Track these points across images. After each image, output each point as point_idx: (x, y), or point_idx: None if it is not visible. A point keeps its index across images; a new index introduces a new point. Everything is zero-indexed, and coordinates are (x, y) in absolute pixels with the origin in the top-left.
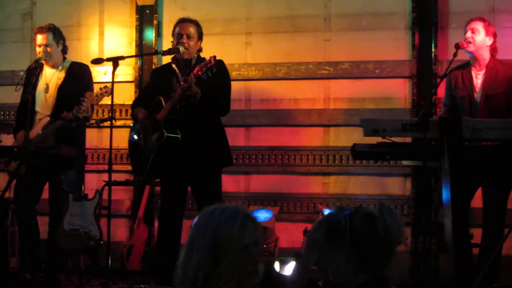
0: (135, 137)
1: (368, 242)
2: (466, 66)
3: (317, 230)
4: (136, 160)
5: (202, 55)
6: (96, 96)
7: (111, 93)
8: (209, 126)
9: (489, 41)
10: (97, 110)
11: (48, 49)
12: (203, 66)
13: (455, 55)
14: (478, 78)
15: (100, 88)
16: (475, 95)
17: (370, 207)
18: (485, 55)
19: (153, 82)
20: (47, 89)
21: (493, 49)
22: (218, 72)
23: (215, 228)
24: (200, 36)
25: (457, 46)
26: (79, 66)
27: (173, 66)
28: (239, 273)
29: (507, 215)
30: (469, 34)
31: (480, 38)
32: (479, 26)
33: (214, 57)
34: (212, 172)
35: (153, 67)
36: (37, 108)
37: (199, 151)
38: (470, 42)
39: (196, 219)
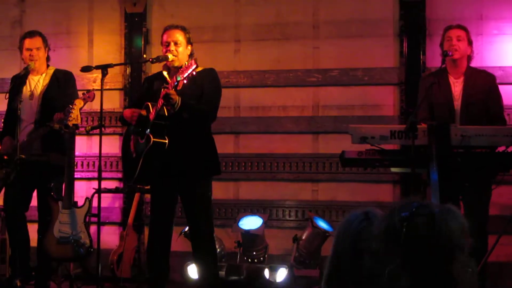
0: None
1: (424, 247)
2: (442, 73)
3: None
4: (127, 166)
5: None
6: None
7: (94, 97)
8: (196, 133)
9: (468, 50)
10: (87, 118)
11: (38, 52)
12: (184, 70)
13: (443, 62)
14: (456, 85)
15: (83, 93)
16: (454, 102)
17: None
18: (464, 63)
19: (144, 89)
20: (31, 96)
21: (470, 58)
22: (206, 79)
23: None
24: (188, 41)
25: (445, 53)
26: (63, 73)
27: (164, 73)
28: None
29: (491, 222)
30: (455, 41)
31: (464, 46)
32: (463, 34)
33: (195, 59)
34: (200, 179)
35: (142, 74)
36: (22, 116)
37: (186, 157)
38: (457, 50)
39: None
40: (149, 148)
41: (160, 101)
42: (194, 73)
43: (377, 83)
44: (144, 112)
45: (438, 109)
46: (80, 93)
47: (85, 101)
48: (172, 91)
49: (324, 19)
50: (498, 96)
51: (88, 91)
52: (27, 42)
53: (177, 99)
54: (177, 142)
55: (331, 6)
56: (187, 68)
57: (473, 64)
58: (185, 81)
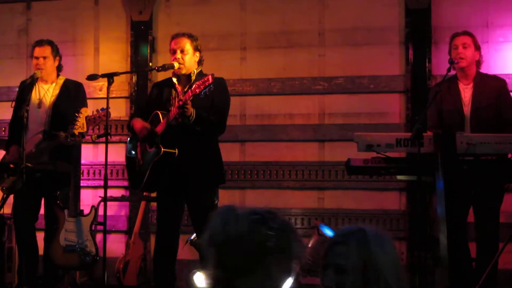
0: (133, 152)
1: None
2: (452, 80)
3: None
4: (133, 174)
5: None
6: (94, 118)
7: (109, 116)
8: (205, 143)
9: (476, 55)
10: (89, 126)
11: (45, 61)
12: (200, 84)
13: (449, 70)
14: (466, 91)
15: (97, 110)
16: (464, 108)
17: (365, 221)
18: (473, 69)
19: (153, 96)
20: (40, 104)
21: (479, 63)
22: (216, 90)
23: None
24: (196, 48)
25: (451, 62)
26: (73, 84)
27: (174, 80)
28: None
29: (500, 229)
30: (461, 49)
31: (470, 53)
32: (469, 41)
33: (212, 75)
34: (206, 188)
35: (148, 83)
36: (29, 124)
37: (193, 167)
38: (463, 58)
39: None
40: (158, 158)
41: (173, 112)
42: (211, 88)
43: (382, 90)
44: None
45: (448, 116)
46: (95, 110)
47: (100, 119)
48: (188, 103)
49: (330, 27)
50: (508, 100)
51: (103, 109)
52: (36, 51)
53: (192, 111)
54: (185, 151)
55: (337, 14)
56: (204, 83)
57: (480, 71)
58: (200, 96)
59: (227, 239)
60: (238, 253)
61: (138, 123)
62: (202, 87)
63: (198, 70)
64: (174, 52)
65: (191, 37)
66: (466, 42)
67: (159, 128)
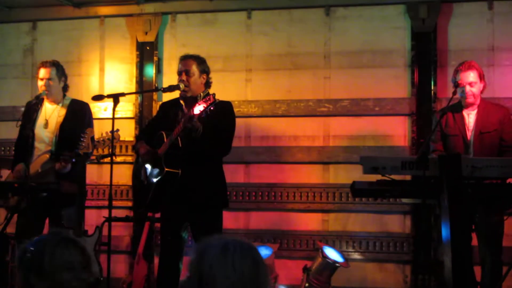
0: (142, 174)
1: None
2: (456, 106)
3: None
4: (138, 193)
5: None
6: (103, 140)
7: (119, 139)
8: (209, 165)
9: (481, 86)
10: (98, 148)
11: (50, 83)
12: (202, 103)
13: (454, 93)
14: (470, 117)
15: (107, 133)
16: (467, 133)
17: (369, 244)
18: (478, 98)
19: (159, 116)
20: (46, 125)
21: (482, 90)
22: (220, 112)
23: None
24: (203, 71)
25: (456, 84)
26: (80, 104)
27: (181, 101)
28: None
29: (504, 253)
30: (468, 88)
31: (477, 88)
32: (474, 77)
33: (213, 95)
34: (210, 210)
35: (154, 103)
36: (36, 144)
37: (196, 189)
38: (472, 96)
39: None
40: (161, 177)
41: (176, 130)
42: (212, 108)
43: (388, 113)
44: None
45: (452, 141)
46: (104, 132)
47: (104, 143)
48: (195, 118)
49: (335, 49)
50: (510, 127)
51: (112, 131)
52: (41, 72)
53: (199, 125)
54: (189, 172)
55: (343, 36)
56: (206, 102)
57: (485, 95)
58: (202, 116)
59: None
60: None
61: (143, 148)
62: (204, 106)
63: (206, 93)
64: (180, 73)
65: (197, 59)
66: (471, 81)
67: (162, 148)
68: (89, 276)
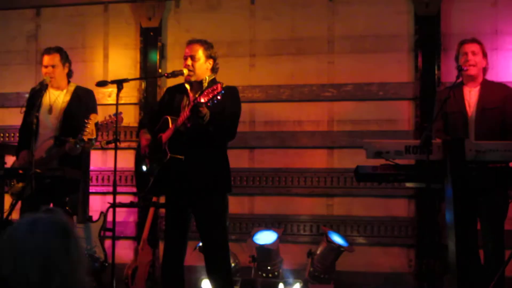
0: (144, 168)
1: None
2: (457, 86)
3: None
4: (140, 176)
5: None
6: (106, 124)
7: (122, 121)
8: (213, 151)
9: (484, 62)
10: (102, 132)
11: (54, 70)
12: (209, 92)
13: (458, 77)
14: (471, 94)
15: (109, 116)
16: (468, 110)
17: (374, 228)
18: (480, 76)
19: (164, 100)
20: (50, 110)
21: (485, 69)
22: (226, 98)
23: None
24: (209, 56)
25: (460, 68)
26: (84, 91)
27: (186, 85)
28: None
29: (507, 236)
30: (470, 56)
31: (479, 60)
32: (478, 49)
33: (221, 84)
34: (212, 196)
35: (158, 89)
36: (40, 129)
37: (200, 174)
38: (473, 65)
39: None
40: (165, 162)
41: (185, 114)
42: (219, 97)
43: (392, 97)
44: (162, 137)
45: (452, 118)
46: (107, 116)
47: (107, 126)
48: (202, 104)
49: (339, 34)
50: None
51: (115, 114)
52: (45, 59)
53: (206, 111)
54: (193, 158)
55: (346, 21)
56: (213, 91)
57: (488, 78)
58: (208, 104)
59: None
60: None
61: (144, 140)
62: (211, 95)
63: (211, 78)
64: (185, 58)
65: (204, 44)
66: (474, 50)
67: (167, 134)
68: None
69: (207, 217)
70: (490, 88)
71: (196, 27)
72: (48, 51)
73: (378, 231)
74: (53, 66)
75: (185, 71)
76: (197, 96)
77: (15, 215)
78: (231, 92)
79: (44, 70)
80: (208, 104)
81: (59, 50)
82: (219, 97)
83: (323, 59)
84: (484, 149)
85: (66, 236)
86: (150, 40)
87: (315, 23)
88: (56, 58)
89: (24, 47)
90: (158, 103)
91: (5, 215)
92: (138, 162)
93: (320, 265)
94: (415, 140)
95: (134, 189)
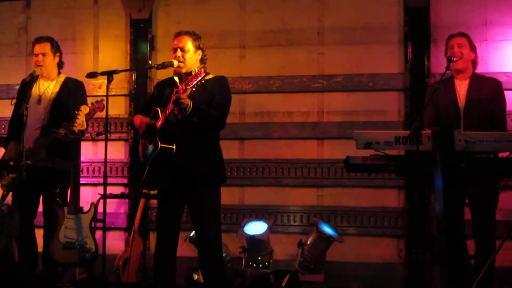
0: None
1: None
2: (449, 79)
3: None
4: (134, 170)
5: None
6: (89, 111)
7: (104, 108)
8: (204, 140)
9: (472, 55)
10: (92, 124)
11: (44, 58)
12: (192, 78)
13: (447, 68)
14: (461, 86)
15: (92, 103)
16: (458, 101)
17: (364, 219)
18: (469, 69)
19: (155, 94)
20: (39, 100)
21: (475, 63)
22: (215, 86)
23: None
24: (198, 47)
25: (450, 60)
26: (74, 82)
27: (175, 78)
28: None
29: (497, 227)
30: (456, 48)
31: (466, 52)
32: (465, 42)
33: (203, 68)
34: (206, 188)
35: (148, 81)
36: (29, 120)
37: (193, 165)
38: (459, 56)
39: None
40: (156, 154)
41: (170, 107)
42: (202, 81)
43: (381, 88)
44: (152, 121)
45: (443, 109)
46: (89, 102)
47: (94, 111)
48: (183, 95)
49: (329, 25)
50: (502, 100)
51: (98, 101)
52: (35, 48)
53: (188, 102)
54: (185, 148)
55: (336, 12)
56: (196, 76)
57: (478, 69)
58: (193, 89)
59: None
60: None
61: (138, 119)
62: (194, 80)
63: (200, 69)
64: (175, 50)
65: (193, 35)
66: (461, 42)
67: (158, 124)
68: None
69: (201, 209)
70: (479, 81)
71: (186, 19)
72: (39, 39)
73: (368, 222)
74: (43, 55)
75: (175, 62)
76: (180, 87)
77: None
78: (220, 81)
79: (34, 58)
80: (193, 88)
81: (50, 39)
82: (202, 81)
83: (313, 50)
84: (473, 140)
85: None
86: (140, 32)
87: (305, 14)
88: (47, 47)
89: (15, 39)
90: (148, 98)
91: None
92: (133, 152)
93: (310, 255)
94: (405, 131)
95: (125, 180)
